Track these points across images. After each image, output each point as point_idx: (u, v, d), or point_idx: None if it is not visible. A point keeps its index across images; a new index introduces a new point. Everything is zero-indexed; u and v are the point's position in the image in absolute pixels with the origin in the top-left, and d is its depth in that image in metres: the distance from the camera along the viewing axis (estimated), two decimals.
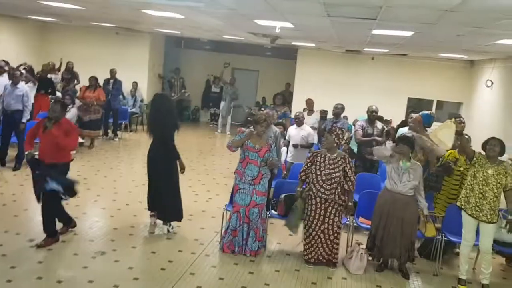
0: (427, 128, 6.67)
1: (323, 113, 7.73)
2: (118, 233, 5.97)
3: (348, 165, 5.39)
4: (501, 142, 5.18)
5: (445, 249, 5.85)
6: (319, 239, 5.42)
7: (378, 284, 5.24)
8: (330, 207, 5.36)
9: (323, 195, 5.31)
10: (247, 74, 16.64)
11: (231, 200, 5.85)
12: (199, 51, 16.60)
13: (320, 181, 5.32)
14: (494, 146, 5.12)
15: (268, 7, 5.88)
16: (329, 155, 5.41)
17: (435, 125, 7.04)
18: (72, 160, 5.57)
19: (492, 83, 10.88)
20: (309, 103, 9.52)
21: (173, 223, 6.20)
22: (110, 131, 12.12)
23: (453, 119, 5.68)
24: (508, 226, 5.15)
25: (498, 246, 5.42)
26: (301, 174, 5.53)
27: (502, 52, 9.05)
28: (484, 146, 5.24)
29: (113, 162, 9.73)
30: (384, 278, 5.39)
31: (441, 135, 5.44)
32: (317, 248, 5.44)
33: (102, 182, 8.19)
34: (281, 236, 6.30)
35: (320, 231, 5.40)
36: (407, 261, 5.45)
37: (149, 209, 6.13)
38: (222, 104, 14.58)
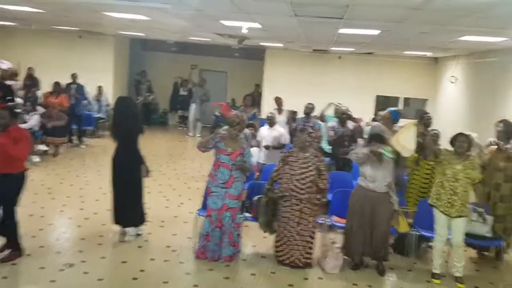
0: (395, 125, 6.73)
1: (293, 114, 7.71)
2: (86, 244, 5.75)
3: (321, 163, 5.37)
4: (468, 137, 5.26)
5: (418, 243, 5.93)
6: (295, 241, 5.36)
7: (354, 283, 5.23)
8: (305, 208, 5.32)
9: (298, 195, 5.26)
10: (216, 75, 16.49)
11: (204, 205, 5.73)
12: (166, 53, 16.35)
13: (294, 181, 5.27)
14: (463, 142, 5.18)
15: (234, 7, 5.81)
16: (301, 154, 5.37)
17: (402, 121, 7.09)
18: (26, 170, 5.15)
19: (456, 79, 11.14)
20: (278, 102, 9.42)
21: (143, 230, 6.06)
22: (75, 138, 11.76)
23: (414, 122, 5.71)
24: (481, 218, 5.21)
25: (470, 239, 5.51)
26: (274, 174, 5.46)
27: (464, 48, 9.27)
28: (452, 142, 5.29)
29: (79, 170, 9.43)
30: (360, 276, 5.37)
31: (402, 139, 5.38)
32: (293, 251, 5.38)
33: (68, 191, 7.91)
34: (256, 239, 6.22)
35: (295, 232, 5.34)
36: (383, 258, 5.46)
37: (116, 223, 5.95)
38: (192, 106, 14.39)
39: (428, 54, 11.84)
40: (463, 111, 10.40)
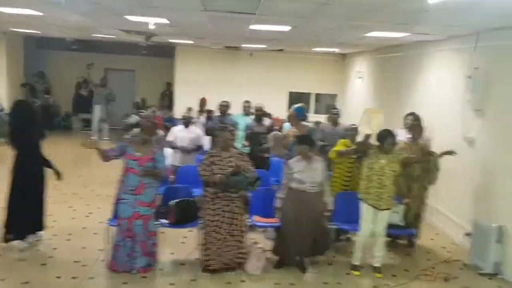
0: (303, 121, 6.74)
1: (209, 113, 7.47)
2: None
3: (245, 160, 5.22)
4: (394, 137, 5.37)
5: (337, 236, 6.00)
6: (226, 243, 5.17)
7: (277, 282, 5.14)
8: (236, 207, 5.15)
9: (229, 194, 5.07)
10: (123, 74, 15.76)
11: (115, 213, 5.31)
12: (67, 52, 15.24)
13: None
14: (391, 144, 5.32)
15: (136, 1, 5.45)
16: (224, 153, 5.16)
17: (318, 116, 7.16)
18: None
19: (363, 74, 11.59)
20: (202, 103, 9.08)
21: (49, 245, 5.66)
22: None
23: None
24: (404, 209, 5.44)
25: (387, 228, 5.66)
26: (205, 177, 5.15)
27: (370, 44, 9.64)
28: (380, 140, 5.35)
29: None
30: (282, 275, 5.30)
31: (371, 126, 5.47)
32: (225, 253, 5.18)
33: None
34: (174, 246, 5.92)
35: (227, 233, 5.15)
36: (321, 253, 5.50)
37: (10, 233, 5.47)
38: (96, 108, 13.56)
39: (336, 50, 12.21)
40: (370, 105, 10.82)
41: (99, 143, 5.17)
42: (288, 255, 5.41)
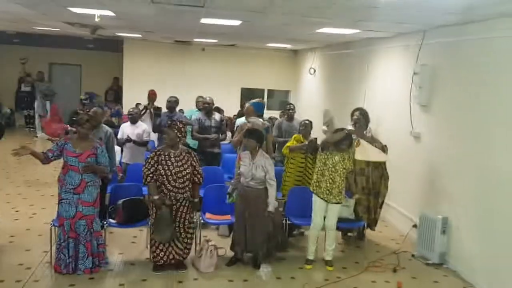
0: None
1: (157, 109, 7.24)
2: None
3: (194, 158, 5.10)
4: (350, 137, 5.43)
5: (289, 231, 6.02)
6: (173, 243, 5.04)
7: (230, 279, 5.10)
8: (182, 207, 5.03)
9: (176, 195, 4.93)
10: (68, 69, 15.17)
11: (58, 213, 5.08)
12: (8, 45, 14.53)
13: (172, 181, 4.90)
14: (347, 145, 5.36)
15: None
16: (173, 151, 5.01)
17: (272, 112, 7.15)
18: None
19: (315, 70, 11.71)
20: (151, 97, 8.73)
21: None
22: None
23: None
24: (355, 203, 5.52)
25: (337, 222, 5.73)
26: (148, 178, 4.94)
27: (321, 41, 9.74)
28: (337, 143, 5.36)
29: None
30: (235, 272, 5.26)
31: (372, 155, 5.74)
32: (170, 248, 5.05)
33: None
34: (123, 245, 5.75)
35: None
36: (265, 255, 5.44)
37: None
38: (36, 103, 12.97)
39: (288, 46, 12.25)
40: (322, 101, 10.98)
41: (31, 148, 4.83)
42: (239, 249, 5.39)
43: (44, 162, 4.86)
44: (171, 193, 4.93)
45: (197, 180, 5.11)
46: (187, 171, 4.98)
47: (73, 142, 4.85)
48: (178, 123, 5.10)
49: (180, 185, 4.94)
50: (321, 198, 5.41)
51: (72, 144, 4.82)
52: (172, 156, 4.98)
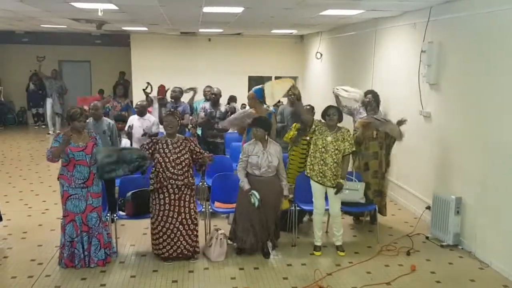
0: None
1: (161, 100, 7.23)
2: None
3: (192, 143, 5.09)
4: (338, 110, 5.38)
5: (299, 218, 5.97)
6: (178, 232, 5.02)
7: (241, 267, 5.08)
8: (184, 195, 5.00)
9: (176, 182, 4.91)
10: (77, 66, 15.25)
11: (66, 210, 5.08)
12: (18, 45, 14.67)
13: (170, 168, 4.89)
14: (333, 115, 5.28)
15: None
16: (170, 139, 5.01)
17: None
18: None
19: (321, 55, 11.56)
20: (161, 91, 8.73)
21: (3, 244, 5.38)
22: None
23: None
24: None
25: (346, 207, 5.67)
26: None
27: (326, 24, 9.58)
28: (323, 115, 5.38)
29: None
30: (246, 260, 5.24)
31: (276, 89, 5.69)
32: (179, 242, 5.04)
33: None
34: (134, 237, 5.78)
35: (178, 223, 5.00)
36: (276, 240, 5.43)
37: None
38: (48, 101, 13.10)
39: (294, 32, 12.11)
40: (330, 85, 10.81)
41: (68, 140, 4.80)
42: (243, 239, 5.27)
43: (54, 160, 4.77)
44: (170, 180, 4.91)
45: (201, 161, 5.09)
46: (185, 156, 4.96)
47: (73, 139, 4.81)
48: (177, 112, 5.14)
49: (179, 172, 4.92)
50: (316, 181, 5.32)
51: (73, 140, 4.80)
52: (169, 144, 4.98)
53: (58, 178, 4.92)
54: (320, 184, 5.30)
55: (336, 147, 5.24)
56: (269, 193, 5.15)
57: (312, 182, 5.39)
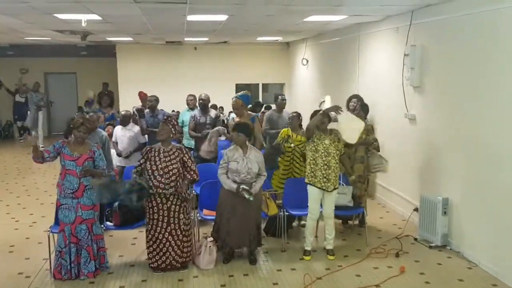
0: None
1: (139, 111, 7.20)
2: None
3: (186, 155, 5.04)
4: (327, 114, 5.40)
5: (288, 223, 5.97)
6: (167, 243, 4.98)
7: (231, 274, 5.06)
8: (173, 205, 4.97)
9: (163, 191, 4.87)
10: (63, 77, 15.17)
11: (57, 219, 5.06)
12: (2, 58, 14.56)
13: (158, 176, 4.86)
14: (323, 120, 5.32)
15: None
16: (163, 148, 4.99)
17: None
18: None
19: (307, 61, 11.64)
20: (142, 98, 8.67)
21: None
22: None
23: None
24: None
25: (335, 211, 5.67)
26: (135, 169, 5.01)
27: (310, 30, 9.66)
28: (319, 125, 5.35)
29: None
30: (234, 268, 5.22)
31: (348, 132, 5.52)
32: (168, 253, 5.00)
33: None
34: (122, 248, 5.74)
35: (167, 233, 4.97)
36: (257, 247, 5.40)
37: None
38: (29, 115, 13.02)
39: (280, 39, 12.18)
40: (316, 91, 10.91)
41: (36, 143, 4.84)
42: (226, 246, 5.28)
43: (36, 160, 4.80)
44: (158, 189, 4.89)
45: (189, 177, 5.06)
46: (174, 166, 4.93)
47: (70, 146, 4.82)
48: (173, 119, 5.12)
49: (166, 181, 4.88)
50: (319, 188, 5.32)
51: (69, 148, 4.80)
52: (161, 152, 4.96)
53: (57, 185, 4.93)
54: (323, 189, 5.30)
55: (336, 148, 5.32)
56: (247, 201, 5.07)
57: (312, 189, 5.35)
